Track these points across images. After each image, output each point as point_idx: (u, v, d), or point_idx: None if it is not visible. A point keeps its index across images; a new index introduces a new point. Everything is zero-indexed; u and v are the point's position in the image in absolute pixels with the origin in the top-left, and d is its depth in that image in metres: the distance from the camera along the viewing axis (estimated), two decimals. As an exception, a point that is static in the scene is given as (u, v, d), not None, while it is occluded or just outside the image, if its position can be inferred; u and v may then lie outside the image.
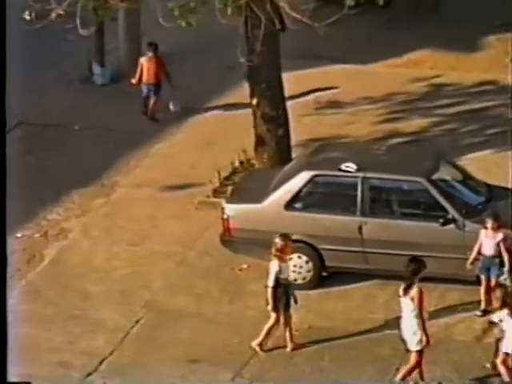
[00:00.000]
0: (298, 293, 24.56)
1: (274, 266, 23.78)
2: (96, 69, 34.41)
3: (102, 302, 25.66)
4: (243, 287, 26.01)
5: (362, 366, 23.51)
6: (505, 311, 23.18)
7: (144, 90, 33.14)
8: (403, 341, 22.91)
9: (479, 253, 24.56)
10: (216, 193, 28.63)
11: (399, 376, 23.12)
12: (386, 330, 24.37)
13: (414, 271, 22.66)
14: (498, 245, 24.27)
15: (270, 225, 25.80)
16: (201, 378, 23.50)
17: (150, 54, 32.60)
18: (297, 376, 23.52)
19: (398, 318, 23.13)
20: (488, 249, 24.37)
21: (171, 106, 33.98)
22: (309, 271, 25.82)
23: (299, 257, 25.76)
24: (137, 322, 24.99)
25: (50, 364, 23.73)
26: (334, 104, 32.29)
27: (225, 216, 26.38)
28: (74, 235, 28.09)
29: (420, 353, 22.79)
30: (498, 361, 23.48)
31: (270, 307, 23.79)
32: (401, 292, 22.85)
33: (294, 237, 25.19)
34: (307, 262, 25.71)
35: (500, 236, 24.26)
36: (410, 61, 34.04)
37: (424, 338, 22.40)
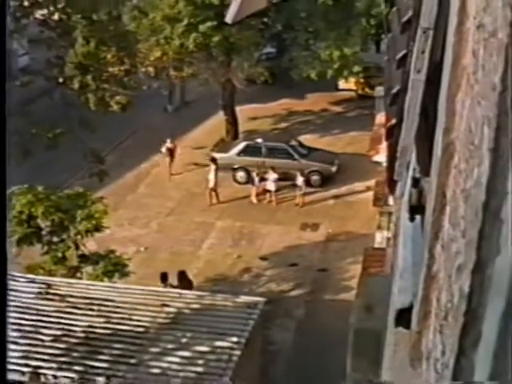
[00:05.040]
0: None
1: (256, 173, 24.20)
2: (168, 106, 32.29)
3: (172, 188, 25.07)
4: (224, 181, 24.80)
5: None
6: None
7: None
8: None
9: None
10: (212, 150, 26.78)
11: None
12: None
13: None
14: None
15: (231, 161, 25.52)
16: (207, 217, 23.12)
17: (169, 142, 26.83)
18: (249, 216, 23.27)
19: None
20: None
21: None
22: (246, 178, 25.05)
23: (242, 172, 25.37)
24: (183, 197, 24.63)
25: (150, 214, 23.32)
26: (253, 118, 31.01)
27: (214, 157, 25.77)
28: (161, 165, 26.66)
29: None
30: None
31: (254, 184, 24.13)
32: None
33: (239, 165, 25.37)
34: (245, 174, 25.18)
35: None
36: (280, 103, 32.35)
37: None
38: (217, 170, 24.36)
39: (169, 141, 26.73)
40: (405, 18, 4.31)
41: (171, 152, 26.61)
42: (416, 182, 3.61)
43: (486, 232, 1.82)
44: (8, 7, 20.95)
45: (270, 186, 24.15)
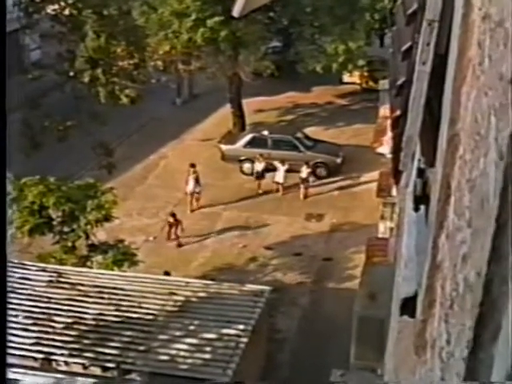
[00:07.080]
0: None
1: (260, 164, 24.14)
2: (177, 99, 31.89)
3: (180, 179, 23.84)
4: (231, 172, 24.99)
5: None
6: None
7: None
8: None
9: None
10: (219, 142, 26.44)
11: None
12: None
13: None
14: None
15: (238, 152, 25.35)
16: (214, 207, 23.29)
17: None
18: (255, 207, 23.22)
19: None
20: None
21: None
22: (253, 169, 24.73)
23: (248, 163, 25.04)
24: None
25: (159, 204, 23.23)
26: (260, 110, 30.73)
27: (222, 149, 25.85)
28: (169, 157, 26.53)
29: None
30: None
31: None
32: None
33: (245, 157, 25.12)
34: (252, 166, 24.77)
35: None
36: (286, 96, 32.03)
37: None
38: (197, 177, 23.24)
39: (171, 218, 21.00)
40: (410, 11, 4.27)
41: (175, 224, 20.89)
42: (421, 173, 3.60)
43: (504, 219, 1.71)
44: (15, 4, 20.90)
45: (279, 178, 24.06)
